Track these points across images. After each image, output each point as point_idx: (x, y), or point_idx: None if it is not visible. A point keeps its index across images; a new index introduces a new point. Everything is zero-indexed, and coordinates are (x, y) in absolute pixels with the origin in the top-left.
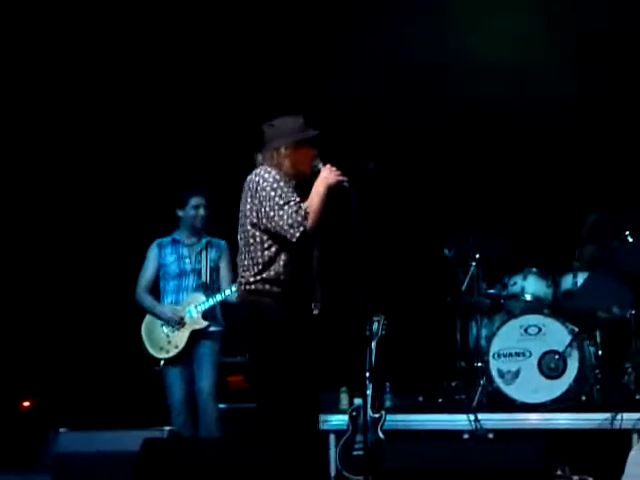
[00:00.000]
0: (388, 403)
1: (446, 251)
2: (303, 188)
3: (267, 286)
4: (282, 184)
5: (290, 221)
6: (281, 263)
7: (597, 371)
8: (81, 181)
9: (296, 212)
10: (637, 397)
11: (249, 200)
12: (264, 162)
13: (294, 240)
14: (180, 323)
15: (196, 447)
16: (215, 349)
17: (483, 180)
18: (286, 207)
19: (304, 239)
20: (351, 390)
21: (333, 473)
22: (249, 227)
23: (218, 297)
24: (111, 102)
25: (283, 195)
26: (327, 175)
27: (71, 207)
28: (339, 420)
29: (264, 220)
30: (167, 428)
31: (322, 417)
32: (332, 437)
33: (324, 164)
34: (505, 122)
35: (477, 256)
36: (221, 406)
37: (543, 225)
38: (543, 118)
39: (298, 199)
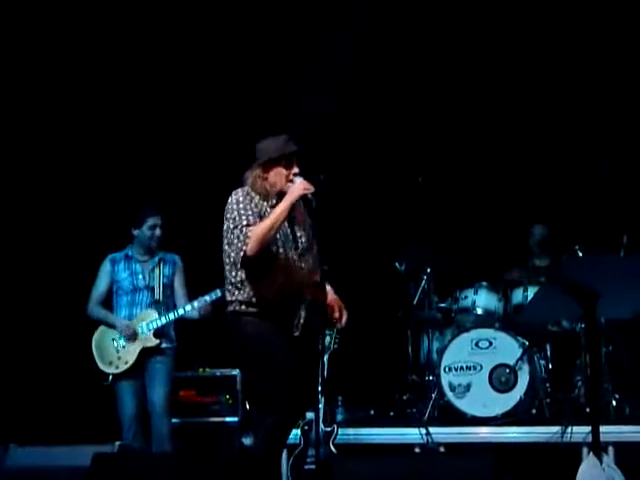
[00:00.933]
0: (340, 417)
1: (397, 265)
2: None
3: (243, 307)
4: (241, 206)
5: (236, 245)
6: (252, 285)
7: (547, 385)
8: (32, 193)
9: (238, 237)
10: (587, 410)
11: (224, 221)
12: (245, 183)
13: (239, 265)
14: (132, 337)
15: (146, 462)
16: (168, 365)
17: (437, 194)
18: (235, 231)
19: (248, 263)
20: None
21: None
22: (225, 247)
23: (171, 315)
24: (69, 118)
25: (236, 218)
26: (292, 189)
27: (23, 219)
28: (291, 434)
29: (225, 242)
30: (117, 443)
31: None
32: (284, 451)
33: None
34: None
35: (428, 270)
36: (173, 420)
37: (492, 238)
38: (492, 130)
39: (245, 222)
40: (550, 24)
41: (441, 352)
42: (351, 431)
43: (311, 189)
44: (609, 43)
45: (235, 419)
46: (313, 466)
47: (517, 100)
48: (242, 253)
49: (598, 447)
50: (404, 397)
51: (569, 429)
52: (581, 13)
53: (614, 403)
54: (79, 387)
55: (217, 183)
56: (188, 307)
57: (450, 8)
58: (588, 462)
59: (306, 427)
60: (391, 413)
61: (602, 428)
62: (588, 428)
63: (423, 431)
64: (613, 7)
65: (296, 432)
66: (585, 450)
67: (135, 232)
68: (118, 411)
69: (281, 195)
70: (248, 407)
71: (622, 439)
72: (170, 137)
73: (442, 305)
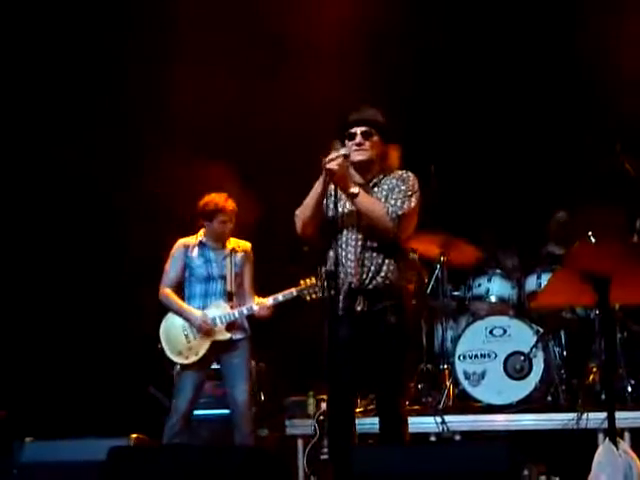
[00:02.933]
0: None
1: (411, 253)
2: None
3: None
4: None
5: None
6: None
7: (562, 371)
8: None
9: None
10: (602, 397)
11: None
12: None
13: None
14: (208, 333)
15: (162, 454)
16: (246, 358)
17: (450, 181)
18: None
19: (304, 242)
20: (318, 395)
21: (301, 478)
22: None
23: (244, 310)
24: None
25: None
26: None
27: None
28: (306, 425)
29: None
30: (133, 436)
31: (289, 422)
32: (300, 442)
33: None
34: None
35: (442, 258)
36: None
37: (508, 224)
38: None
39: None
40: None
41: (455, 340)
42: (366, 421)
43: (331, 163)
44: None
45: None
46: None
47: (528, 87)
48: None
49: (614, 433)
50: (419, 386)
51: (585, 415)
52: None
53: (629, 389)
54: (93, 381)
55: None
56: (255, 307)
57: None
58: (604, 448)
59: (321, 417)
60: (406, 402)
61: (618, 414)
62: (604, 414)
63: (438, 420)
64: None
65: (312, 423)
66: (601, 436)
67: (206, 223)
68: (174, 398)
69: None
70: (263, 398)
71: (638, 425)
72: None
73: (456, 293)
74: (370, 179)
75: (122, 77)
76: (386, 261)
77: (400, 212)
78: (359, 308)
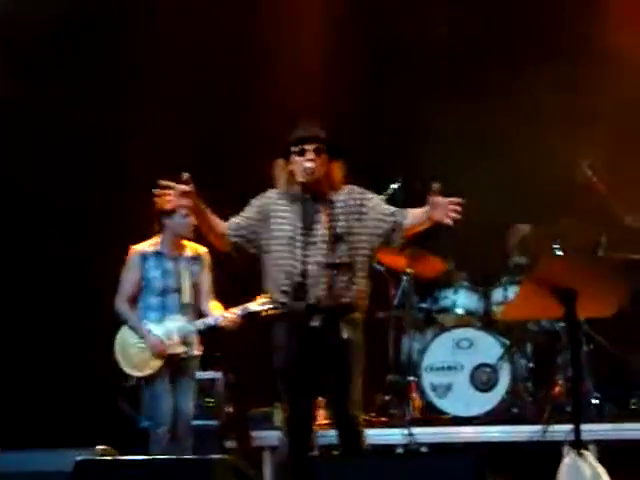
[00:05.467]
0: (320, 418)
1: (377, 265)
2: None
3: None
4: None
5: None
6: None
7: (528, 384)
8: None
9: None
10: (568, 409)
11: None
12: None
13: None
14: (162, 354)
15: (130, 467)
16: (194, 374)
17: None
18: None
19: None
20: None
21: None
22: None
23: (200, 325)
24: None
25: None
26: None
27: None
28: (273, 436)
29: None
30: (100, 447)
31: (256, 434)
32: (267, 453)
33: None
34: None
35: (408, 270)
36: None
37: (472, 237)
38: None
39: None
40: None
41: (422, 352)
42: (332, 432)
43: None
44: None
45: (215, 422)
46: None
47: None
48: None
49: (580, 445)
50: (385, 397)
51: (551, 428)
52: None
53: (595, 401)
54: (59, 391)
55: None
56: (219, 319)
57: None
58: (569, 461)
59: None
60: (372, 414)
61: (583, 426)
62: (569, 427)
63: (405, 431)
64: None
65: (278, 434)
66: (566, 448)
67: (166, 221)
68: (151, 410)
69: (300, 187)
70: (229, 410)
71: (604, 437)
72: None
73: (422, 305)
74: (320, 196)
75: None
76: (351, 278)
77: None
78: (317, 323)
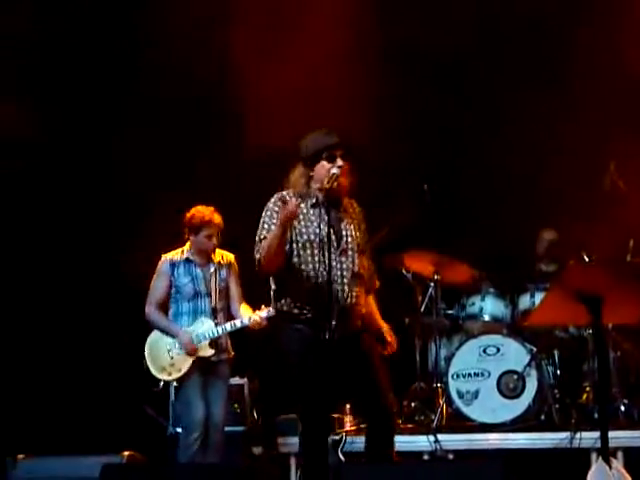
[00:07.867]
0: (348, 425)
1: (404, 272)
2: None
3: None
4: (268, 214)
5: (255, 256)
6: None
7: (555, 390)
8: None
9: (257, 250)
10: (595, 416)
11: None
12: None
13: (261, 276)
14: (192, 353)
15: (155, 472)
16: (227, 377)
17: (442, 201)
18: (257, 240)
19: (262, 274)
20: None
21: None
22: None
23: (228, 327)
24: None
25: (261, 228)
26: (281, 216)
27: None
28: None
29: None
30: (125, 453)
31: (282, 440)
32: (293, 460)
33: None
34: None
35: (435, 277)
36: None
37: (499, 244)
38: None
39: (263, 235)
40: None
41: (449, 359)
42: (359, 439)
43: (293, 212)
44: None
45: (242, 428)
46: None
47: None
48: (257, 264)
49: (607, 452)
50: (412, 404)
51: (578, 435)
52: None
53: (622, 408)
54: (86, 397)
55: None
56: (245, 320)
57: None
58: (597, 467)
59: None
60: (399, 421)
61: (611, 433)
62: (597, 433)
63: (432, 438)
64: None
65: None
66: (594, 455)
67: (191, 238)
68: (181, 419)
69: (320, 193)
70: (256, 416)
71: (631, 444)
72: None
73: (449, 312)
74: (339, 203)
75: None
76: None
77: None
78: (340, 332)
